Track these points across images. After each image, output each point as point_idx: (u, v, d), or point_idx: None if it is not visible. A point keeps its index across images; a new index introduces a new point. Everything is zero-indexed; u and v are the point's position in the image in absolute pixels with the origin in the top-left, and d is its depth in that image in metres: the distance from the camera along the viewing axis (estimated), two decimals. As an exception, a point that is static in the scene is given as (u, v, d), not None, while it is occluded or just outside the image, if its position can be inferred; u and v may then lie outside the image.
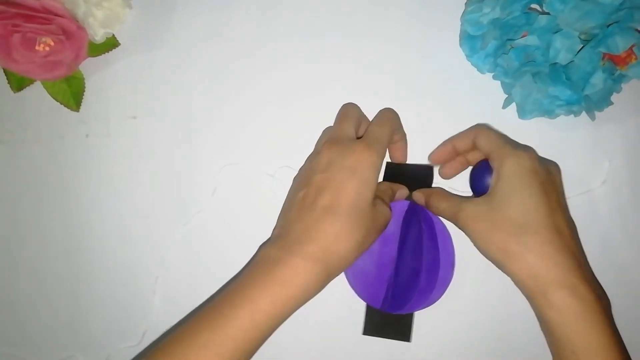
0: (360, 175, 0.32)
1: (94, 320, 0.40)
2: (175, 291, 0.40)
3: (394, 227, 0.38)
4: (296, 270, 0.30)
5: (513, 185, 0.33)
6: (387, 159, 0.40)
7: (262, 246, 0.34)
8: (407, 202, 0.39)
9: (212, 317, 0.30)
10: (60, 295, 0.40)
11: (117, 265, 0.40)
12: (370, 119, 0.39)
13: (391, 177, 0.40)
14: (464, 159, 0.39)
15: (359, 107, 0.39)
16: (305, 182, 0.34)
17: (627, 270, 0.40)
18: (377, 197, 0.35)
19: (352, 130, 0.36)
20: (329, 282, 0.32)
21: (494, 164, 0.35)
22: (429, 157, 0.40)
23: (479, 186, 0.37)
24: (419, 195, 0.38)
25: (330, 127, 0.39)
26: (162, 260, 0.40)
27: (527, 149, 0.35)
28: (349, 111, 0.38)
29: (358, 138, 0.37)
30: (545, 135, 0.40)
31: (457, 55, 0.39)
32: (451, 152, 0.39)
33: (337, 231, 0.31)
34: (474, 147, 0.37)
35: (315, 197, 0.32)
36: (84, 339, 0.40)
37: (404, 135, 0.39)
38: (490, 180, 0.35)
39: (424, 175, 0.40)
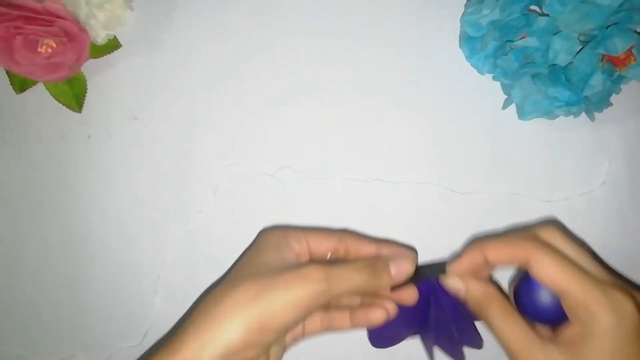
0: None
1: (96, 320, 0.41)
2: (177, 291, 0.40)
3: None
4: None
5: (610, 346, 0.26)
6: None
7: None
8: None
9: None
10: (61, 295, 0.41)
11: (118, 265, 0.41)
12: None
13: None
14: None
15: None
16: None
17: (626, 270, 0.40)
18: None
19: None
20: None
21: (577, 310, 0.27)
22: (448, 267, 0.32)
23: (535, 310, 0.29)
24: (456, 284, 0.31)
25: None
26: (163, 260, 0.40)
27: (624, 291, 0.27)
28: None
29: None
30: (545, 135, 0.40)
31: (457, 56, 0.40)
32: (479, 265, 0.31)
33: None
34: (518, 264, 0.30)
35: None
36: (86, 338, 0.41)
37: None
38: (553, 302, 0.28)
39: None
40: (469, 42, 0.38)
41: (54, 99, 0.41)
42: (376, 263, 0.31)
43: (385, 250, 0.34)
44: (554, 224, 0.30)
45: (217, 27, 0.41)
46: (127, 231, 0.41)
